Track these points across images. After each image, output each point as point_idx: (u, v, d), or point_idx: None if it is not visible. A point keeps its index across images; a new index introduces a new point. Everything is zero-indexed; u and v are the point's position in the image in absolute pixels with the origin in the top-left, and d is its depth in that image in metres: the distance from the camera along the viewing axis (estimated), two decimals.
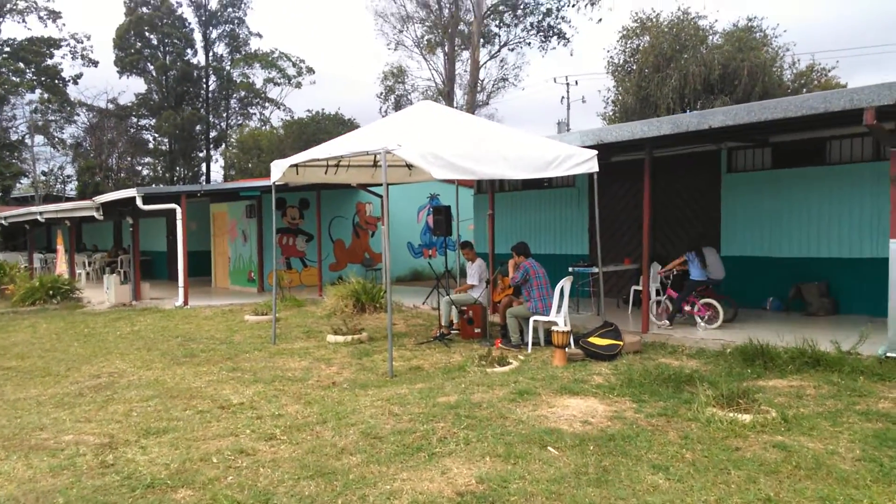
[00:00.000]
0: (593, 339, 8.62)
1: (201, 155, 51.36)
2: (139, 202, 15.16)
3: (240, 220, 19.21)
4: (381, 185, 12.73)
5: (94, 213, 17.23)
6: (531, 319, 9.26)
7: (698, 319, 10.13)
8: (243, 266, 19.23)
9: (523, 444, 5.33)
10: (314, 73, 48.98)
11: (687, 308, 10.33)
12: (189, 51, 49.05)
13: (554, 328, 8.31)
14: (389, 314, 8.10)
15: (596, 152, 9.49)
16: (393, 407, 6.44)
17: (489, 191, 12.61)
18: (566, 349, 8.29)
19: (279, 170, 9.87)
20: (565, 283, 9.27)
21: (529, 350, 9.18)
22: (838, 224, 11.18)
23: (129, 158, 51.09)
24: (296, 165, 10.00)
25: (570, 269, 12.12)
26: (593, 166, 9.48)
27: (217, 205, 20.47)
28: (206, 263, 21.49)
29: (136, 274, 17.43)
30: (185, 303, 15.31)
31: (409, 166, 11.39)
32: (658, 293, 11.69)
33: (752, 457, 5.00)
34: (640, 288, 12.10)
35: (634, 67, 27.16)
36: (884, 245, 10.11)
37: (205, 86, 50.48)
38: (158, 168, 51.54)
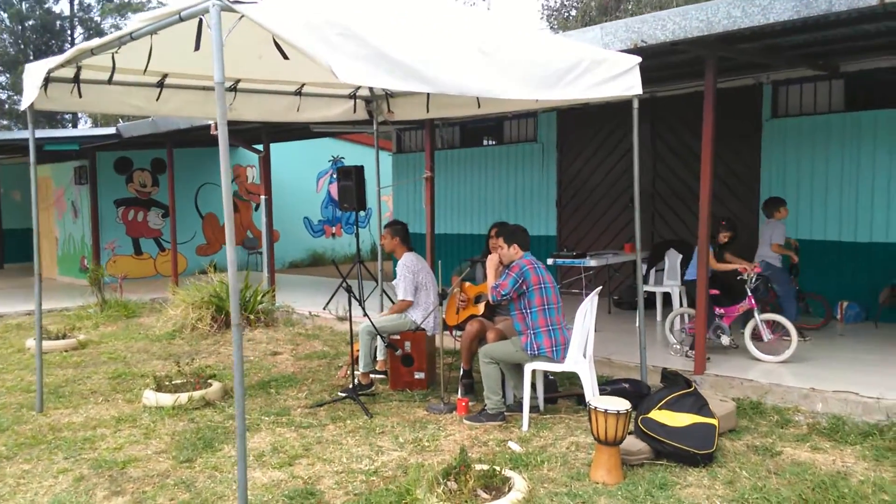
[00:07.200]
0: (660, 416, 4.37)
1: (67, 116, 44.80)
2: None
3: (68, 187, 13.94)
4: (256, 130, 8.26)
5: None
6: (528, 367, 4.93)
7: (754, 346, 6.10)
8: (75, 250, 14.00)
9: None
10: None
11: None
12: None
13: (593, 404, 4.00)
14: (240, 419, 3.55)
15: (639, 59, 5.23)
16: None
17: (427, 143, 8.10)
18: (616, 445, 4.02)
19: (35, 82, 5.02)
20: (589, 305, 4.95)
21: (526, 426, 4.87)
22: None
23: None
24: (75, 77, 5.24)
25: (549, 262, 7.93)
26: (634, 84, 5.21)
27: (41, 167, 15.04)
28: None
29: None
30: None
31: (299, 92, 6.65)
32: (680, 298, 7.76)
33: None
34: (655, 288, 8.12)
35: (573, 13, 23.15)
36: None
37: (70, 38, 43.70)
38: (15, 130, 44.57)
